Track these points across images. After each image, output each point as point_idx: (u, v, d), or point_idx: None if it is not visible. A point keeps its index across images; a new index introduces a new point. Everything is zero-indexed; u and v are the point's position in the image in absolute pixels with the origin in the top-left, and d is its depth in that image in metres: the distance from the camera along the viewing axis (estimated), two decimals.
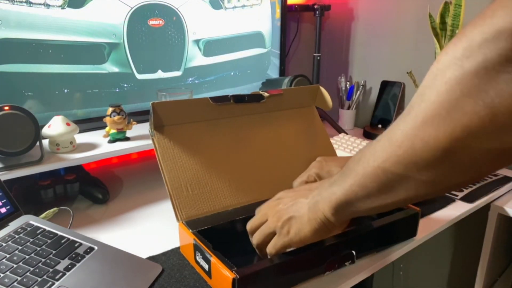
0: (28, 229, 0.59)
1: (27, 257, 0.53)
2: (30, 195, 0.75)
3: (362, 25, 1.33)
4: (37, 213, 0.66)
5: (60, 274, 0.51)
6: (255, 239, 0.53)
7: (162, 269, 0.57)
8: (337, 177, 0.43)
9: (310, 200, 0.47)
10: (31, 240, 0.56)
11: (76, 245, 0.57)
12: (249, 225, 0.55)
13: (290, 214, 0.49)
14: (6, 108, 0.67)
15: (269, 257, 0.51)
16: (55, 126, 0.76)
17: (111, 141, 0.83)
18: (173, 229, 0.62)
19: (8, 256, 0.53)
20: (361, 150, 0.40)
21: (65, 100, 0.89)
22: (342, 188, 0.42)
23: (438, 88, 0.30)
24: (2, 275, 0.50)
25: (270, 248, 0.51)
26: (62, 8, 0.84)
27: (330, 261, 0.55)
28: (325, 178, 0.58)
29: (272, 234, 0.51)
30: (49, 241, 0.57)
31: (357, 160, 0.40)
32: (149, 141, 0.71)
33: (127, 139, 0.84)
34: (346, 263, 0.57)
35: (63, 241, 0.57)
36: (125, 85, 0.96)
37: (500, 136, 0.28)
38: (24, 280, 0.49)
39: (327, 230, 0.46)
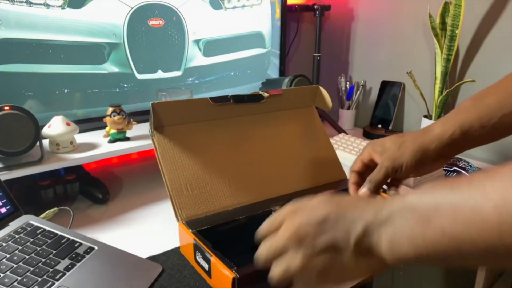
0: (28, 229, 0.59)
1: (27, 257, 0.53)
2: (30, 195, 0.75)
3: (362, 25, 1.33)
4: (37, 213, 0.66)
5: (60, 274, 0.51)
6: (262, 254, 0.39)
7: (162, 269, 0.57)
8: (443, 213, 0.29)
9: (376, 223, 0.33)
10: (31, 240, 0.56)
11: (76, 245, 0.57)
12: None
13: (333, 236, 0.34)
14: (6, 108, 0.67)
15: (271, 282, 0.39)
16: (55, 126, 0.76)
17: (111, 141, 0.83)
18: (173, 229, 0.62)
19: (8, 256, 0.53)
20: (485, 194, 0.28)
21: (65, 100, 0.89)
22: (455, 237, 0.28)
23: None
24: (2, 275, 0.50)
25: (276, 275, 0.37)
26: (62, 8, 0.84)
27: None
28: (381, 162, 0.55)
29: (282, 253, 0.37)
30: (49, 241, 0.57)
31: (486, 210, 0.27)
32: (149, 141, 0.72)
33: (127, 139, 0.84)
34: None
35: (63, 241, 0.57)
36: (125, 85, 0.96)
37: None
38: (24, 280, 0.49)
39: (375, 272, 0.36)
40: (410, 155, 0.53)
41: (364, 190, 0.55)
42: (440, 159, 0.55)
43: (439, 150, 0.53)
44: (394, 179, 0.59)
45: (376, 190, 0.55)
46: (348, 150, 1.01)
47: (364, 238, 0.33)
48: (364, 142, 1.03)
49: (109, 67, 0.93)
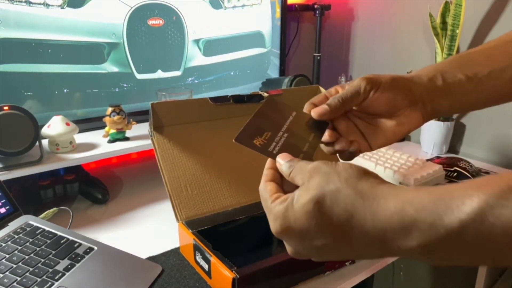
0: (28, 229, 0.59)
1: (26, 257, 0.53)
2: (29, 195, 0.75)
3: (362, 25, 1.33)
4: (36, 213, 0.66)
5: (60, 274, 0.51)
6: None
7: (162, 269, 0.57)
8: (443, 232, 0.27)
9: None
10: (31, 240, 0.56)
11: (75, 245, 0.57)
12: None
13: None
14: (6, 108, 0.67)
15: None
16: (55, 126, 0.76)
17: (110, 141, 0.83)
18: (173, 229, 0.62)
19: (7, 256, 0.53)
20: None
21: (64, 100, 0.88)
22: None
23: None
24: (1, 275, 0.49)
25: None
26: (61, 8, 0.84)
27: (330, 261, 0.55)
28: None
29: None
30: (48, 241, 0.57)
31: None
32: (149, 141, 0.72)
33: (127, 139, 0.84)
34: (346, 263, 0.57)
35: (62, 241, 0.57)
36: (125, 85, 0.96)
37: None
38: (24, 280, 0.49)
39: None
40: (388, 78, 0.45)
41: (322, 106, 0.45)
42: (417, 105, 0.46)
43: (419, 90, 0.46)
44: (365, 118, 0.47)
45: (336, 110, 0.45)
46: None
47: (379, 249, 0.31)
48: None
49: (109, 67, 0.92)
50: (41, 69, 0.84)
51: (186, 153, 0.65)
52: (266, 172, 0.41)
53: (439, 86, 0.46)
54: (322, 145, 0.47)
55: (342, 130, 0.47)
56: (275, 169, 0.40)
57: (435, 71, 0.47)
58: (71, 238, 0.58)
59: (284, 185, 0.39)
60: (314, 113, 0.45)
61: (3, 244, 0.55)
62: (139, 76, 0.97)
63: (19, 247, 0.55)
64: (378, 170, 0.90)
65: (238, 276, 0.47)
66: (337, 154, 0.47)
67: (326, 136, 0.45)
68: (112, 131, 0.83)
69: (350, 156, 0.46)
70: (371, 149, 0.47)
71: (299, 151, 0.41)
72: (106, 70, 0.92)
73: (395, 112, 0.46)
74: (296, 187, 0.35)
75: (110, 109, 0.81)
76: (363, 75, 0.46)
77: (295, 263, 0.52)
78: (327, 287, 0.54)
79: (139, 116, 0.92)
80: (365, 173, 0.33)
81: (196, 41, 1.05)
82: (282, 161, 0.39)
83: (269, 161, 0.41)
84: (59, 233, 0.59)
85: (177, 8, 0.99)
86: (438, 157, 1.02)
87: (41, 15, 0.82)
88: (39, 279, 0.50)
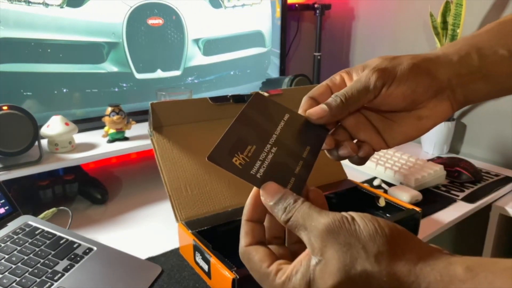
0: (27, 229, 0.58)
1: (25, 257, 0.53)
2: (28, 196, 0.75)
3: (362, 24, 1.33)
4: (35, 214, 0.66)
5: (59, 274, 0.51)
6: None
7: (161, 270, 0.57)
8: None
9: None
10: (30, 240, 0.56)
11: (75, 245, 0.57)
12: None
13: None
14: (5, 107, 0.66)
15: None
16: (54, 126, 0.76)
17: (110, 141, 0.83)
18: (172, 229, 0.61)
19: (6, 256, 0.52)
20: None
21: (64, 100, 0.88)
22: None
23: None
24: (1, 275, 0.49)
25: None
26: (61, 7, 0.84)
27: None
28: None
29: None
30: (48, 241, 0.56)
31: None
32: (148, 141, 0.71)
33: (126, 139, 0.84)
34: None
35: (62, 241, 0.57)
36: (124, 85, 0.96)
37: None
38: (23, 280, 0.49)
39: None
40: (406, 65, 0.36)
41: (320, 107, 0.36)
42: (444, 94, 0.37)
43: (447, 75, 0.37)
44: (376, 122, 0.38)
45: (338, 113, 0.35)
46: None
47: None
48: None
49: (108, 67, 0.92)
50: (41, 69, 0.84)
51: (186, 153, 0.65)
52: (246, 229, 0.31)
53: (474, 67, 0.37)
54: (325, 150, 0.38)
55: (350, 126, 0.38)
56: (255, 220, 0.32)
57: (469, 46, 0.38)
58: (70, 238, 0.58)
59: (271, 226, 0.32)
60: (310, 115, 0.36)
61: (2, 245, 0.54)
62: (138, 76, 0.97)
63: (18, 248, 0.54)
64: (379, 170, 0.90)
65: (238, 277, 0.47)
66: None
67: (324, 145, 0.36)
68: (112, 131, 0.83)
69: (360, 161, 0.38)
70: (387, 146, 0.39)
71: (290, 175, 0.32)
72: (105, 70, 0.92)
73: (416, 106, 0.37)
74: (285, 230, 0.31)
75: (109, 109, 0.81)
76: None
77: None
78: None
79: (139, 116, 0.92)
80: (398, 245, 0.27)
81: (196, 41, 1.04)
82: (272, 199, 0.30)
83: (249, 201, 0.32)
84: (58, 234, 0.59)
85: (176, 8, 0.99)
86: (439, 157, 1.01)
87: (41, 14, 0.82)
88: (38, 280, 0.50)
